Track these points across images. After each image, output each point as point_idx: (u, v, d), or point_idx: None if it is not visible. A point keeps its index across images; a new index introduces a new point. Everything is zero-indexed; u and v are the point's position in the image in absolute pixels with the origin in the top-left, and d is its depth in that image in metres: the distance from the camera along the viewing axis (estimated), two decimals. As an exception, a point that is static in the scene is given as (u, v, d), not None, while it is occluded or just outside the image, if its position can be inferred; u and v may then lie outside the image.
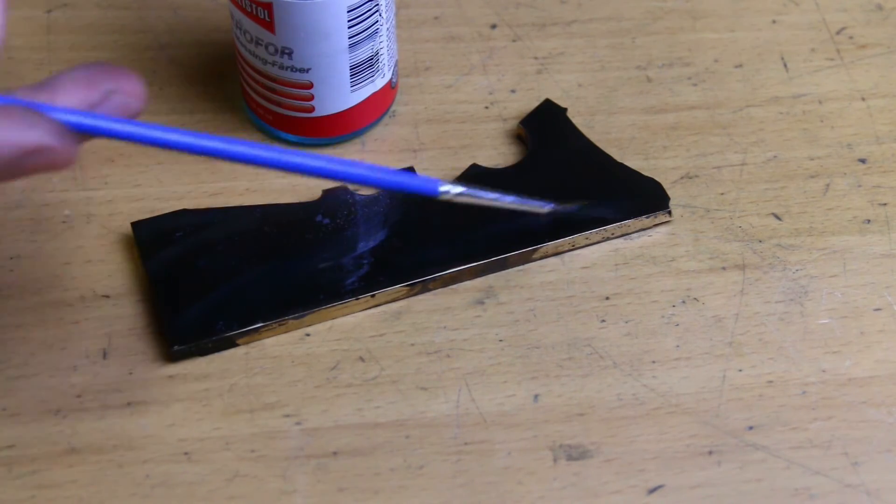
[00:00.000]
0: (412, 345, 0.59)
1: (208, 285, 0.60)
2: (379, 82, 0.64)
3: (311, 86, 0.63)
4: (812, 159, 0.65)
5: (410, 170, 0.64)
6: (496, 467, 0.56)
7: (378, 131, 0.66)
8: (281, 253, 0.61)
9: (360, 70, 0.63)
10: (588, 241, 0.62)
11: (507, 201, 0.59)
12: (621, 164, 0.64)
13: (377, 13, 0.62)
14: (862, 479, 0.56)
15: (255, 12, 0.61)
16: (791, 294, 0.61)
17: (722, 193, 0.64)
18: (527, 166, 0.64)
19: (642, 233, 0.63)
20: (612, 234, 0.62)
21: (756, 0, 0.72)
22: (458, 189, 0.57)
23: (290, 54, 0.62)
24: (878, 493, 0.55)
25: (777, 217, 0.63)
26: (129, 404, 0.58)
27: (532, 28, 0.70)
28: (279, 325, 0.59)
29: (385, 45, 0.64)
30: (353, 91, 0.64)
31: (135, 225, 0.62)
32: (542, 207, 0.61)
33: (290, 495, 0.55)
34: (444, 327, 0.60)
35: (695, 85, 0.68)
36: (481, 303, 0.61)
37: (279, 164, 0.52)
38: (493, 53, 0.69)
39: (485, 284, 0.61)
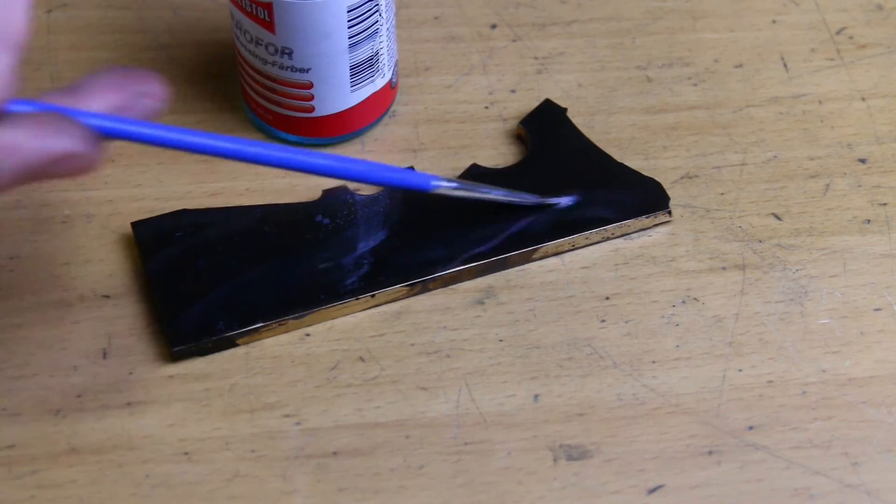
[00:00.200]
0: (412, 345, 0.59)
1: (208, 285, 0.60)
2: (379, 82, 0.64)
3: (311, 86, 0.63)
4: (812, 159, 0.65)
5: (410, 170, 0.64)
6: (496, 467, 0.56)
7: (378, 131, 0.66)
8: (281, 253, 0.61)
9: (360, 70, 0.63)
10: (588, 241, 0.62)
11: (498, 195, 0.61)
12: (621, 164, 0.64)
13: (377, 13, 0.62)
14: (862, 479, 0.56)
15: (255, 12, 0.61)
16: (791, 294, 0.61)
17: (722, 193, 0.64)
18: (527, 166, 0.64)
19: (642, 233, 0.63)
20: (612, 234, 0.62)
21: (756, 0, 0.72)
22: (451, 184, 0.59)
23: (290, 54, 0.62)
24: (878, 493, 0.55)
25: (777, 217, 0.63)
26: (129, 404, 0.58)
27: (532, 28, 0.70)
28: (279, 325, 0.59)
29: (385, 45, 0.64)
30: (353, 91, 0.64)
31: (135, 225, 0.62)
32: (532, 201, 0.62)
33: (290, 495, 0.55)
34: (444, 327, 0.60)
35: (695, 85, 0.68)
36: (481, 303, 0.61)
37: (277, 163, 0.54)
38: (493, 53, 0.69)
39: (485, 284, 0.61)
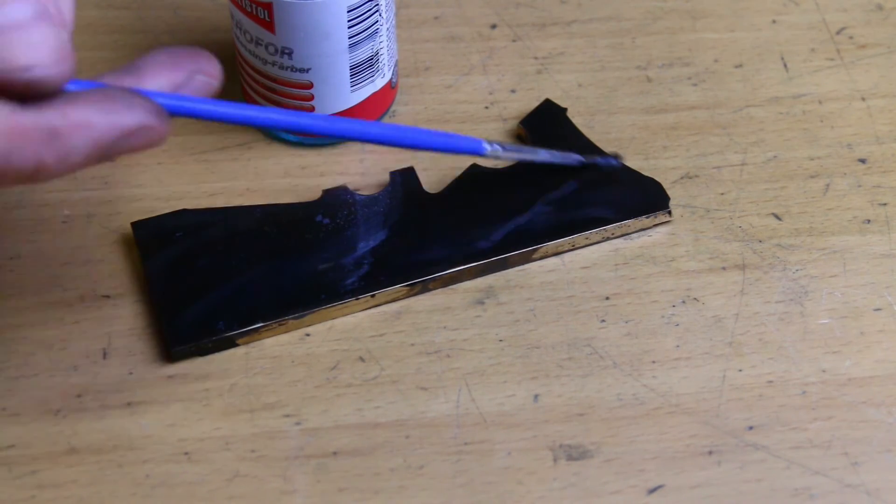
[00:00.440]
0: (412, 345, 0.59)
1: (208, 285, 0.60)
2: (379, 82, 0.64)
3: (311, 86, 0.63)
4: (812, 159, 0.65)
5: (410, 170, 0.64)
6: (496, 467, 0.56)
7: (378, 131, 0.66)
8: (281, 253, 0.61)
9: (360, 70, 0.63)
10: (588, 241, 0.62)
11: (542, 157, 0.63)
12: (621, 164, 0.64)
13: (377, 13, 0.62)
14: (862, 479, 0.56)
15: (255, 12, 0.61)
16: (791, 294, 0.61)
17: (722, 193, 0.64)
18: (527, 166, 0.64)
19: (642, 233, 0.63)
20: (612, 234, 0.62)
21: (756, 0, 0.72)
22: (499, 147, 0.61)
23: (290, 54, 0.62)
24: (878, 493, 0.55)
25: (777, 217, 0.63)
26: (129, 404, 0.58)
27: (532, 28, 0.70)
28: (279, 325, 0.59)
29: (385, 45, 0.64)
30: (353, 91, 0.64)
31: (135, 225, 0.62)
32: (576, 160, 0.63)
33: (290, 495, 0.55)
34: (444, 327, 0.60)
35: (695, 85, 0.68)
36: (481, 303, 0.61)
37: (333, 132, 0.57)
38: (493, 53, 0.69)
39: (485, 284, 0.61)
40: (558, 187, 0.63)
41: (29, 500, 0.55)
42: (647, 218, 0.63)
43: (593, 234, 0.62)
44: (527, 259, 0.62)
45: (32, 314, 0.60)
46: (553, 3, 0.71)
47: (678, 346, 0.59)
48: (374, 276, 0.60)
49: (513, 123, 0.66)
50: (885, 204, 0.64)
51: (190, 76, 0.51)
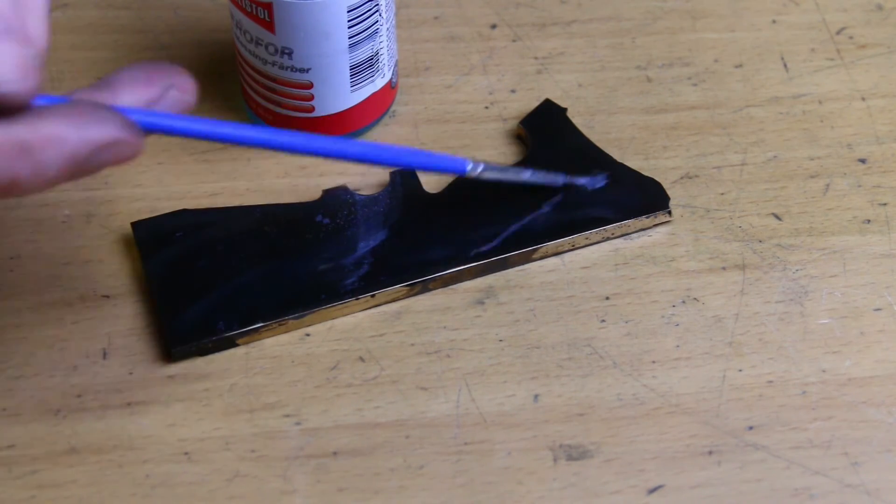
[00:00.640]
0: (412, 345, 0.59)
1: (208, 285, 0.60)
2: (379, 82, 0.64)
3: (311, 86, 0.63)
4: (812, 159, 0.65)
5: (409, 170, 0.64)
6: (496, 467, 0.56)
7: (378, 131, 0.66)
8: (281, 253, 0.61)
9: (360, 70, 0.63)
10: (588, 241, 0.62)
11: (525, 177, 0.62)
12: (621, 164, 0.64)
13: (377, 13, 0.62)
14: (862, 479, 0.56)
15: (255, 12, 0.61)
16: (791, 294, 0.61)
17: (722, 193, 0.64)
18: (527, 166, 0.64)
19: (642, 233, 0.63)
20: (612, 234, 0.62)
21: (756, 0, 0.72)
22: (481, 167, 0.60)
23: (290, 54, 0.62)
24: (878, 493, 0.55)
25: (777, 217, 0.63)
26: (129, 404, 0.58)
27: (532, 28, 0.70)
28: (279, 325, 0.59)
29: (385, 45, 0.64)
30: (353, 91, 0.64)
31: (135, 225, 0.62)
32: (560, 181, 0.62)
33: (290, 495, 0.55)
34: (444, 327, 0.60)
35: (695, 85, 0.68)
36: (481, 303, 0.61)
37: (314, 151, 0.56)
38: (493, 53, 0.69)
39: (485, 284, 0.61)
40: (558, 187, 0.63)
41: (29, 500, 0.55)
42: (647, 218, 0.63)
43: (593, 234, 0.62)
44: (527, 259, 0.62)
45: (32, 314, 0.60)
46: (553, 3, 0.71)
47: (678, 346, 0.59)
48: (374, 276, 0.60)
49: (513, 123, 0.66)
50: (885, 204, 0.64)
51: (164, 92, 0.50)
